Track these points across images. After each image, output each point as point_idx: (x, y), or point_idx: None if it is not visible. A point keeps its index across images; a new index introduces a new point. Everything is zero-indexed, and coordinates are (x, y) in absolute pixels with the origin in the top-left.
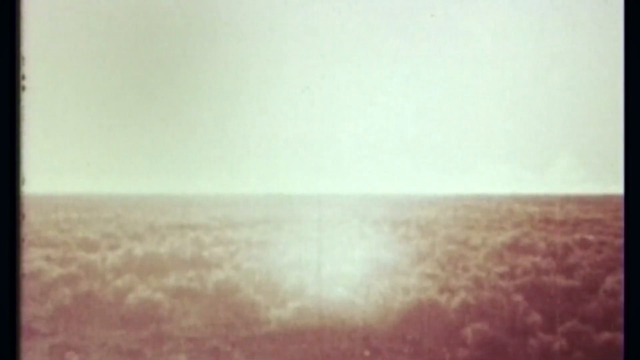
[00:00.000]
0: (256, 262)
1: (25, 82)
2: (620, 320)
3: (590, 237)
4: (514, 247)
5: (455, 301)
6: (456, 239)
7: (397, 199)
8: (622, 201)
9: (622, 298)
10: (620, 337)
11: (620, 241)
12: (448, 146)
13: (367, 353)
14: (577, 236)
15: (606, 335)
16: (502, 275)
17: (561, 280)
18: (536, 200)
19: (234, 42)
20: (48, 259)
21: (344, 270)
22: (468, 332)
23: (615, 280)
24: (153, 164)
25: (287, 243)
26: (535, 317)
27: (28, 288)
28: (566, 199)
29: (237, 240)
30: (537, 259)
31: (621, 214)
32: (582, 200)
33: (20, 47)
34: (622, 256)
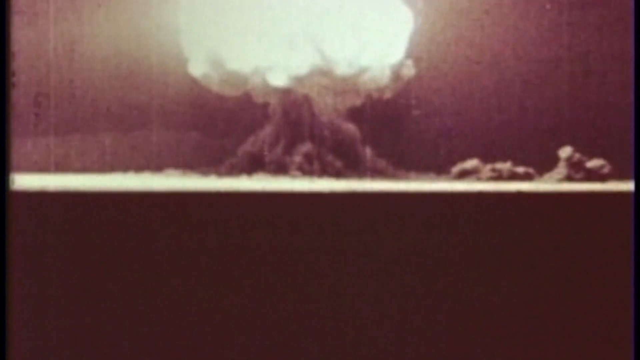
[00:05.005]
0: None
1: (14, 79)
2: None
3: (596, 235)
4: (517, 246)
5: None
6: (457, 239)
7: (395, 198)
8: (631, 198)
9: (632, 294)
10: (630, 334)
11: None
12: (449, 143)
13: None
14: (581, 233)
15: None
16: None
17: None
18: (539, 198)
19: None
20: (39, 259)
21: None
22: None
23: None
24: (148, 162)
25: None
26: None
27: (19, 290)
28: (571, 197)
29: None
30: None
31: (631, 210)
32: (587, 197)
33: (10, 43)
34: (631, 253)
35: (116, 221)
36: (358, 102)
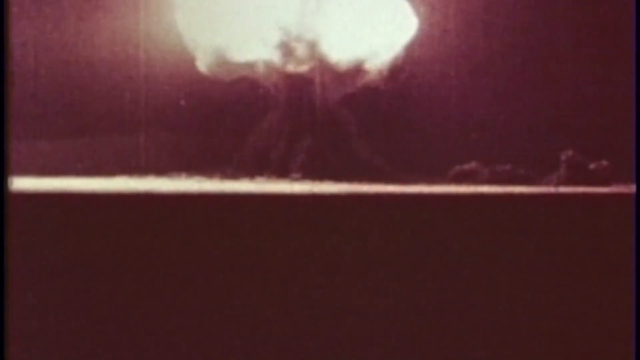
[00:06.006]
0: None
1: (14, 79)
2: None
3: (597, 238)
4: (518, 248)
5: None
6: (456, 240)
7: (395, 197)
8: (633, 200)
9: (633, 297)
10: (631, 335)
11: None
12: (450, 144)
13: None
14: (583, 235)
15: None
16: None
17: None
18: (540, 200)
19: None
20: (38, 262)
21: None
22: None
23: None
24: (145, 162)
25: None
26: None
27: (18, 293)
28: (571, 199)
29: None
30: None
31: (632, 213)
32: (589, 200)
33: (10, 43)
34: (632, 255)
35: (115, 223)
36: (356, 102)
